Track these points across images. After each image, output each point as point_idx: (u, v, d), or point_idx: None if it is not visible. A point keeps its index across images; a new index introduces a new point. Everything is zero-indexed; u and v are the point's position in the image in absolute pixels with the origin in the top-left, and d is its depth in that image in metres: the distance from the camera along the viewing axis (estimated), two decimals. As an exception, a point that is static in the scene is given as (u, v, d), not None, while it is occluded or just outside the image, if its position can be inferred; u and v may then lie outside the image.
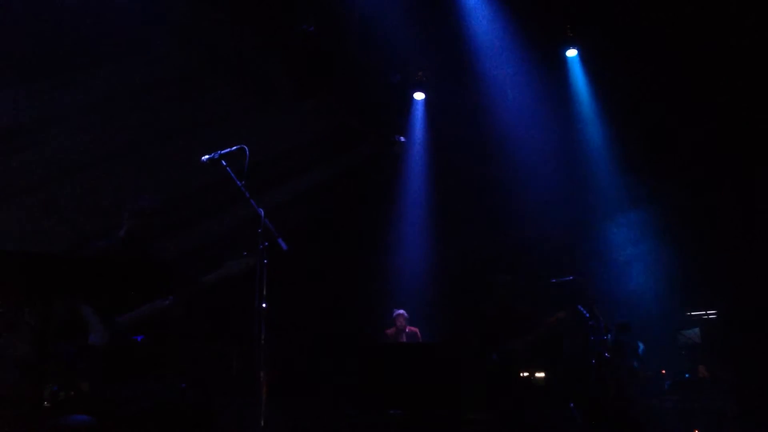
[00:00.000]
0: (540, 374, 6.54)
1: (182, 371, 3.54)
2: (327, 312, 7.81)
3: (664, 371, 7.54)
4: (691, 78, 7.58)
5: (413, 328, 7.83)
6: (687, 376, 7.26)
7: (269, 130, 7.89)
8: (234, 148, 3.59)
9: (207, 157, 3.59)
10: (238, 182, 3.58)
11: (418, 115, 9.12)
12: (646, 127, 8.25)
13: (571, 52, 8.21)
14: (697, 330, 7.96)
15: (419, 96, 8.89)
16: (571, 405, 6.17)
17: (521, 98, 8.37)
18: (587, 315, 6.22)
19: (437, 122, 9.17)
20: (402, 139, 9.37)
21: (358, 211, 8.93)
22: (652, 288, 8.09)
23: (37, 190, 6.48)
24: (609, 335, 6.15)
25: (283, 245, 3.32)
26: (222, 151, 3.59)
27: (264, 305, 3.20)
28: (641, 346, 6.92)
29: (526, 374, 7.32)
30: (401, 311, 7.83)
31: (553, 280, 6.46)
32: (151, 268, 3.85)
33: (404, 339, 7.69)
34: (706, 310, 8.36)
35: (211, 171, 3.63)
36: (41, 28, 5.82)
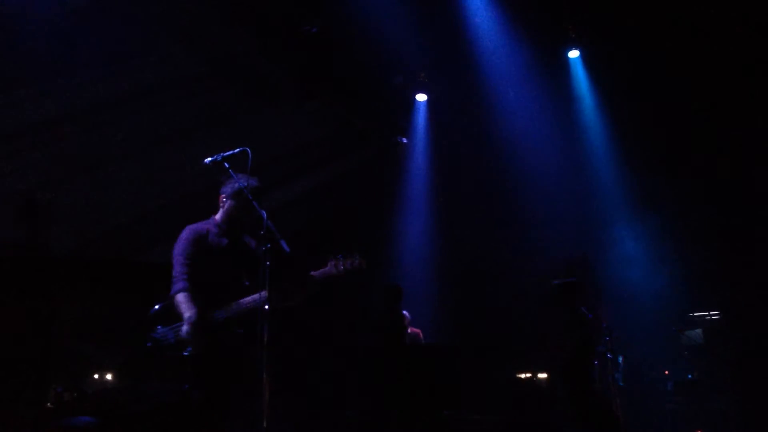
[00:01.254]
0: (542, 375, 6.54)
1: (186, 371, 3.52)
2: (329, 313, 7.82)
3: (666, 372, 7.53)
4: (692, 78, 7.57)
5: (415, 330, 7.83)
6: (689, 377, 7.25)
7: (271, 132, 7.91)
8: (237, 150, 3.56)
9: (210, 159, 3.56)
10: (241, 184, 3.59)
11: (421, 116, 9.13)
12: (648, 127, 8.24)
13: (574, 53, 8.22)
14: (699, 331, 7.94)
15: (422, 97, 8.90)
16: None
17: (523, 99, 8.37)
18: (590, 316, 6.21)
19: (439, 123, 9.18)
20: (404, 140, 9.37)
21: (360, 212, 8.93)
22: (655, 289, 8.07)
23: (40, 191, 6.51)
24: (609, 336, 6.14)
25: (286, 247, 3.30)
26: (225, 153, 3.54)
27: (267, 306, 3.19)
28: (620, 358, 6.76)
29: (527, 375, 7.33)
30: (404, 312, 7.83)
31: (555, 282, 6.45)
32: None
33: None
34: (709, 311, 8.34)
35: (213, 173, 3.63)
36: (44, 28, 5.84)
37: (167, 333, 3.42)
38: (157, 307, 3.48)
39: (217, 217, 3.85)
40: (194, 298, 3.47)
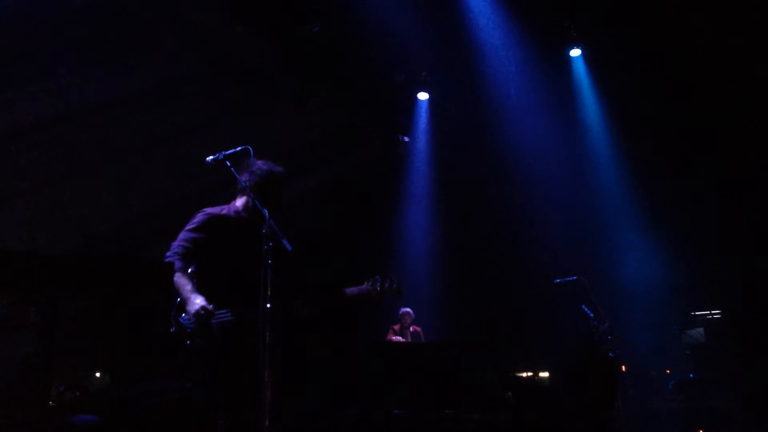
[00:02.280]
0: (544, 374, 6.54)
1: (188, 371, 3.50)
2: (330, 312, 7.81)
3: (668, 371, 7.53)
4: (694, 78, 7.56)
5: (417, 328, 7.85)
6: (691, 376, 7.24)
7: (272, 131, 7.91)
8: (238, 148, 3.55)
9: (211, 157, 3.53)
10: (243, 183, 3.58)
11: (422, 115, 9.13)
12: (650, 127, 8.22)
13: (575, 52, 8.22)
14: (701, 330, 7.94)
15: (423, 96, 8.90)
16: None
17: (525, 97, 8.36)
18: (591, 315, 6.21)
19: (441, 122, 9.17)
20: (406, 139, 9.37)
21: (361, 211, 8.93)
22: (657, 288, 8.07)
23: (42, 190, 6.52)
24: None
25: (288, 246, 3.28)
26: (226, 152, 3.51)
27: (268, 305, 3.16)
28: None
29: (529, 374, 7.33)
30: (408, 309, 7.84)
31: (557, 280, 6.44)
32: None
33: (408, 337, 7.70)
34: (710, 310, 8.34)
35: (215, 171, 3.60)
36: (44, 28, 5.84)
37: (191, 319, 3.25)
38: (179, 299, 3.33)
39: (238, 205, 3.72)
40: (217, 291, 3.30)
